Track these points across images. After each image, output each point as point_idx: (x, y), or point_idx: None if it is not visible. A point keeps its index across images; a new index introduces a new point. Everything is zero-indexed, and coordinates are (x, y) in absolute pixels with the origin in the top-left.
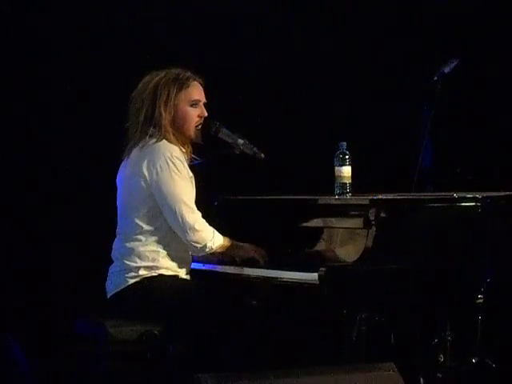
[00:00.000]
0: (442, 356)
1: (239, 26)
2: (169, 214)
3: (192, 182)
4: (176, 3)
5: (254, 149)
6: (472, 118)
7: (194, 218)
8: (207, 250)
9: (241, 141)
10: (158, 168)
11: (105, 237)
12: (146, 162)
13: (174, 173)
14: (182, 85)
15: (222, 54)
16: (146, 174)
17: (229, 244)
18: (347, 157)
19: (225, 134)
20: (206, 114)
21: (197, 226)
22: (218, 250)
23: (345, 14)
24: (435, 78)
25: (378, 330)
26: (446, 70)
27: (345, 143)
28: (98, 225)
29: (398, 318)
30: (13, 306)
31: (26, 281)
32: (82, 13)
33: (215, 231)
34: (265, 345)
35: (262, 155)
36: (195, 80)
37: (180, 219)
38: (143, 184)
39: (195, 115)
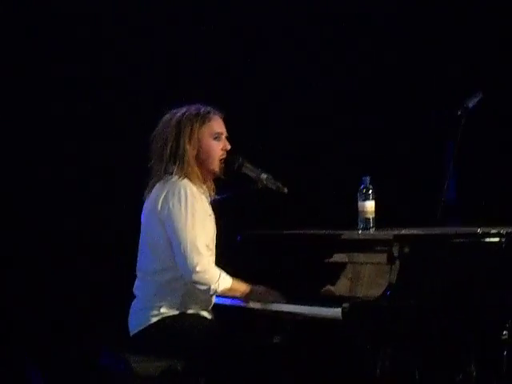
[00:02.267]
0: None
1: (253, 54)
2: (175, 253)
3: (210, 221)
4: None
5: (278, 183)
6: (496, 151)
7: (198, 259)
8: (212, 292)
9: (264, 175)
10: (171, 204)
11: (131, 269)
12: (161, 199)
13: (184, 210)
14: (204, 119)
15: (243, 89)
16: (160, 210)
17: (241, 288)
18: (370, 191)
19: (248, 169)
20: (229, 147)
21: (199, 268)
22: (228, 294)
23: (370, 45)
24: (459, 113)
25: (402, 366)
26: (470, 104)
27: (368, 178)
28: (124, 257)
29: (423, 353)
30: (38, 338)
31: (52, 313)
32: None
33: (223, 274)
34: (287, 381)
35: (286, 190)
36: (216, 114)
37: (184, 259)
38: (158, 222)
39: (218, 148)
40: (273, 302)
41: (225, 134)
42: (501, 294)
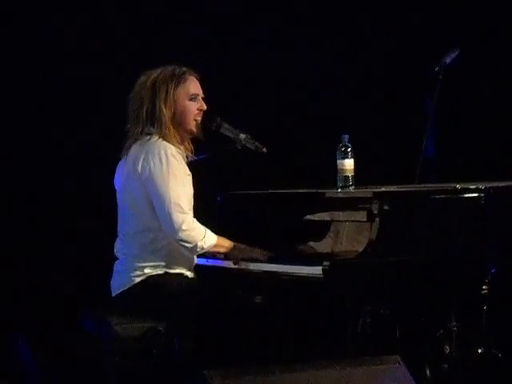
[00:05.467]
0: (447, 347)
1: (235, 22)
2: (158, 213)
3: (189, 181)
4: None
5: (256, 143)
6: (474, 107)
7: (183, 217)
8: (198, 249)
9: (242, 135)
10: (152, 165)
11: (110, 233)
12: (141, 160)
13: (165, 171)
14: (179, 80)
15: (220, 49)
16: (140, 171)
17: (225, 244)
18: (349, 149)
19: (226, 129)
20: (206, 108)
21: (184, 226)
22: (213, 250)
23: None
24: (436, 69)
25: (383, 323)
26: (447, 60)
27: (347, 136)
28: (103, 221)
29: (403, 309)
30: (18, 303)
31: (32, 278)
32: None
33: (207, 231)
34: (269, 340)
35: (264, 149)
36: (191, 74)
37: (168, 218)
38: (139, 182)
39: (194, 109)
40: (256, 259)
41: (201, 94)
42: (480, 249)
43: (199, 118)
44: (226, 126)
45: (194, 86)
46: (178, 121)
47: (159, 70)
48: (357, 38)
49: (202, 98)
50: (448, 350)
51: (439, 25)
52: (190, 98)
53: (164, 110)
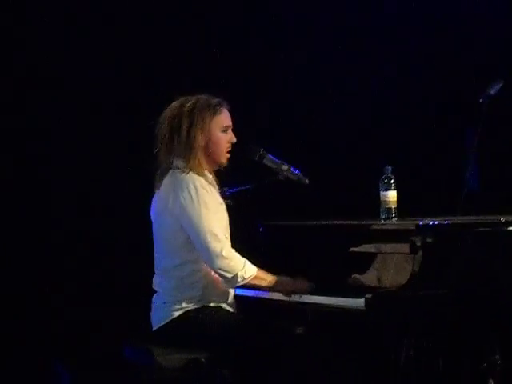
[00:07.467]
0: (491, 381)
1: (275, 47)
2: (196, 245)
3: (222, 210)
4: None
5: (299, 174)
6: None
7: (221, 246)
8: (239, 279)
9: (285, 166)
10: (182, 200)
11: (150, 264)
12: (171, 197)
13: (196, 202)
14: (215, 110)
15: (265, 80)
16: (172, 207)
17: (266, 277)
18: (392, 181)
19: (269, 160)
20: (235, 140)
21: (224, 254)
22: (254, 282)
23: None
24: (480, 100)
25: (426, 355)
26: (492, 91)
27: (390, 168)
28: (143, 252)
29: (446, 342)
30: (61, 332)
31: (75, 308)
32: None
33: (247, 262)
34: (311, 371)
35: (307, 180)
36: (225, 106)
37: (206, 248)
38: (171, 218)
39: (226, 141)
40: (299, 293)
41: (231, 126)
42: None
43: (229, 150)
44: (268, 157)
45: (226, 118)
46: (210, 151)
47: (195, 98)
48: (401, 70)
49: (232, 130)
50: None
51: (484, 55)
52: (223, 129)
53: (199, 139)
